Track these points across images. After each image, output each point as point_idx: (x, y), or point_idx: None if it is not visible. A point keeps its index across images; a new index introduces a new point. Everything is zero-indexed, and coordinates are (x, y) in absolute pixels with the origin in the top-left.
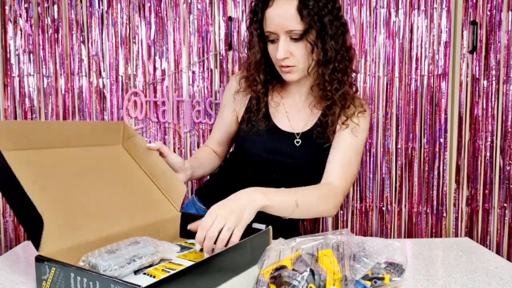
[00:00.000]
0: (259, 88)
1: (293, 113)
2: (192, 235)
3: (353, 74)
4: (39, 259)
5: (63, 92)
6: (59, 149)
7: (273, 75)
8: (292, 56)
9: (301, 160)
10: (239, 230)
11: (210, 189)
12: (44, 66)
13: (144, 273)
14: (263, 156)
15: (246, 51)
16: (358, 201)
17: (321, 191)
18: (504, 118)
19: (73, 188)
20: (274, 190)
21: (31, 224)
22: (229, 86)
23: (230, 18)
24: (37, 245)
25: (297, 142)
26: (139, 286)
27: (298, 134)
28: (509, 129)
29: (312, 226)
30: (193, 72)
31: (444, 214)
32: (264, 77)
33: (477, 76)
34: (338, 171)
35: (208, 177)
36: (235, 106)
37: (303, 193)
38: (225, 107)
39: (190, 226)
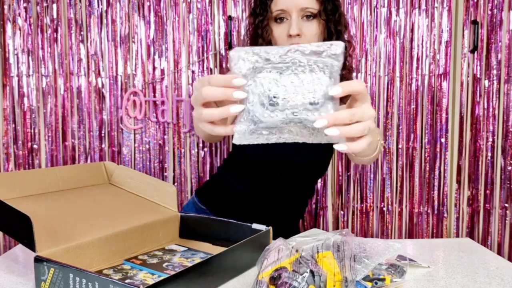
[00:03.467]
0: None
1: None
2: (191, 235)
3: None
4: (38, 260)
5: (62, 92)
6: (50, 193)
7: None
8: (303, 35)
9: (304, 157)
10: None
11: (211, 189)
12: (43, 66)
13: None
14: (266, 155)
15: (247, 36)
16: (359, 202)
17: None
18: (505, 118)
19: (62, 203)
20: None
21: (20, 228)
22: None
23: (230, 17)
24: (32, 246)
25: None
26: (139, 286)
27: None
28: (510, 129)
29: (312, 226)
30: (193, 72)
31: (445, 215)
32: None
33: (478, 76)
34: None
35: (208, 177)
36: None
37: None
38: None
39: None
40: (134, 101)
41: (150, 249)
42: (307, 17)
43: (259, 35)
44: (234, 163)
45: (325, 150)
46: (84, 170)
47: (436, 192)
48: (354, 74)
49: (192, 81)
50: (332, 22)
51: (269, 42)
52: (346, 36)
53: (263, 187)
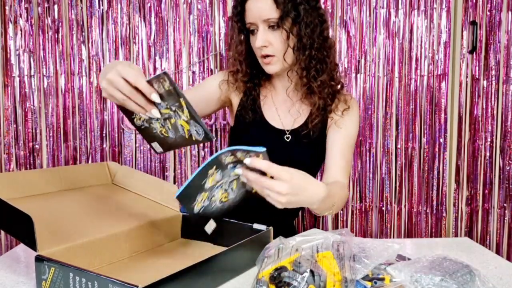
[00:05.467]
0: (246, 79)
1: (283, 110)
2: (193, 235)
3: (339, 68)
4: (39, 259)
5: (63, 92)
6: (53, 193)
7: (259, 69)
8: (270, 45)
9: (293, 156)
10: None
11: None
12: (44, 66)
13: None
14: None
15: (229, 46)
16: (358, 201)
17: (342, 192)
18: (503, 118)
19: (65, 203)
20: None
21: (21, 228)
22: (219, 73)
23: (230, 19)
24: (33, 245)
25: (287, 138)
26: (137, 286)
27: (288, 130)
28: (509, 129)
29: (312, 225)
30: (193, 72)
31: (444, 214)
32: (249, 69)
33: (477, 76)
34: (341, 168)
35: None
36: (221, 95)
37: (337, 194)
38: (207, 81)
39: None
40: None
41: (152, 247)
42: (272, 27)
43: (236, 46)
44: None
45: (312, 147)
46: (87, 170)
47: (435, 192)
48: (354, 74)
49: (193, 82)
50: (294, 28)
51: (241, 54)
52: (323, 32)
53: None
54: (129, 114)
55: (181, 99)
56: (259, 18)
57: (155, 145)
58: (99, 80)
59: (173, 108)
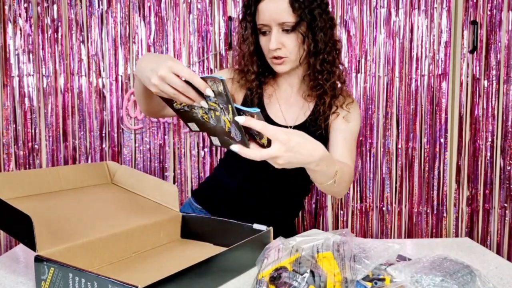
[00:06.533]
0: (253, 78)
1: (286, 107)
2: (193, 235)
3: (341, 67)
4: (38, 259)
5: (62, 92)
6: (52, 193)
7: (265, 68)
8: (283, 47)
9: None
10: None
11: (205, 188)
12: (43, 66)
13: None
14: None
15: (238, 45)
16: (358, 201)
17: (345, 168)
18: (504, 118)
19: (64, 203)
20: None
21: (20, 228)
22: (223, 71)
23: (230, 18)
24: (33, 245)
25: None
26: (137, 286)
27: (291, 127)
28: (510, 129)
29: (312, 225)
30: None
31: (445, 214)
32: (257, 68)
33: (478, 76)
34: (345, 153)
35: (204, 178)
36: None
37: (341, 166)
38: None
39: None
40: (135, 101)
41: (152, 247)
42: (286, 30)
43: (246, 45)
44: (228, 158)
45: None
46: (87, 170)
47: (435, 192)
48: (354, 74)
49: None
50: (310, 33)
51: (250, 53)
52: (333, 35)
53: (256, 182)
54: (169, 100)
55: (230, 106)
56: (273, 20)
57: (192, 125)
58: (143, 76)
59: (221, 106)
